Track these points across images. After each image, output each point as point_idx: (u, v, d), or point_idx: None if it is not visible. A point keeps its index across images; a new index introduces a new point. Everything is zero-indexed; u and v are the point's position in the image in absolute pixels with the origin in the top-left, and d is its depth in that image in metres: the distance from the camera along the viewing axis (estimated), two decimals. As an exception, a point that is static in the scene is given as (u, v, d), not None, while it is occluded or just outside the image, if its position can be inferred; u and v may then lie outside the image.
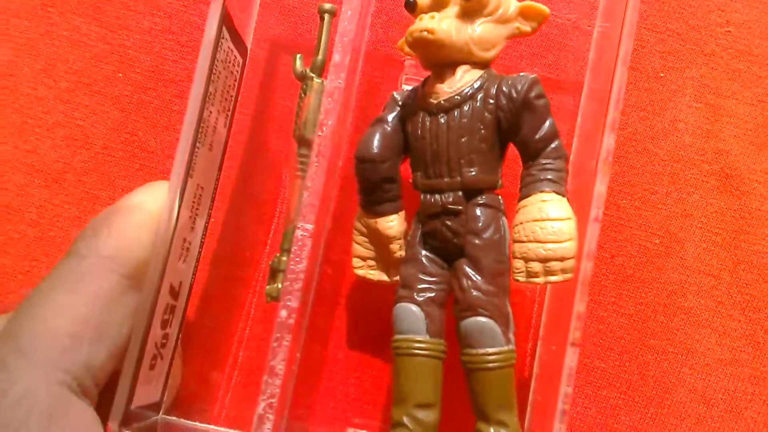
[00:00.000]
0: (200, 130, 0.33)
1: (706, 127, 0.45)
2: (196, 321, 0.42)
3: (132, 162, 0.44)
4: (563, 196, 0.33)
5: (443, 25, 0.33)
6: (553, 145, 0.33)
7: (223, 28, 0.34)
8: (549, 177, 0.33)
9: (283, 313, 0.31)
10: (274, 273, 0.37)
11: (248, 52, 0.40)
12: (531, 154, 0.34)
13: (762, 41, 0.46)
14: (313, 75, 0.37)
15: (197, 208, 0.35)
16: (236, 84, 0.39)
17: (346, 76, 0.32)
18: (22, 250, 0.43)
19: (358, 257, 0.39)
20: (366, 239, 0.38)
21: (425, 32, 0.33)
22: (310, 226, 0.31)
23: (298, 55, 0.38)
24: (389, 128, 0.36)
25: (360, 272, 0.39)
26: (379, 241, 0.38)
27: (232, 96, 0.38)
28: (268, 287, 0.37)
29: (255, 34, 0.42)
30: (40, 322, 0.28)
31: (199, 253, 0.37)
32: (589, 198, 0.32)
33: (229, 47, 0.36)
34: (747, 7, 0.47)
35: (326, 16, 0.38)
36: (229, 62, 0.37)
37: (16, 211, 0.44)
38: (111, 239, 0.31)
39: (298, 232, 0.31)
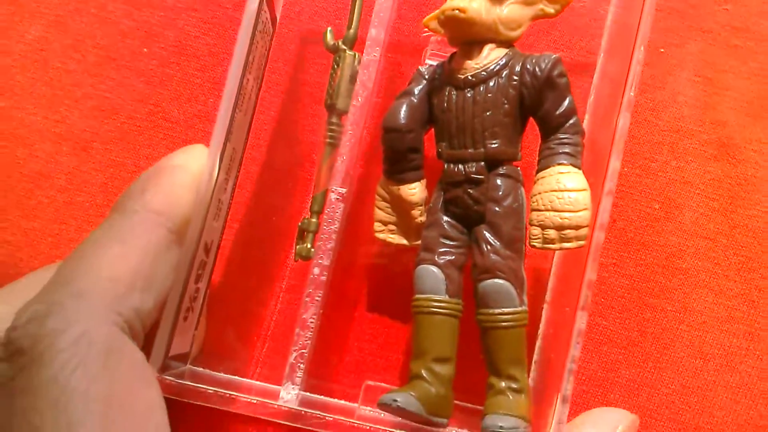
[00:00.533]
0: (239, 98, 0.35)
1: (704, 99, 0.47)
2: (223, 278, 0.44)
3: (156, 132, 0.47)
4: (579, 168, 0.35)
5: (474, 4, 0.35)
6: (571, 121, 0.36)
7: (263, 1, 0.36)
8: (566, 150, 0.35)
9: (316, 270, 0.33)
10: (302, 233, 0.39)
11: (277, 22, 0.43)
12: (550, 129, 0.36)
13: (758, 18, 0.48)
14: (345, 47, 0.39)
15: (230, 170, 0.37)
16: (267, 53, 0.41)
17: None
18: (52, 215, 0.46)
19: (380, 221, 0.41)
20: (388, 205, 0.40)
21: (457, 11, 0.35)
22: (343, 190, 0.34)
23: (329, 29, 0.40)
24: (415, 100, 0.38)
25: (381, 236, 0.41)
26: (401, 207, 0.40)
27: (262, 64, 0.41)
28: (297, 246, 0.39)
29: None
30: (96, 269, 0.30)
31: (227, 212, 0.39)
32: (603, 172, 0.35)
33: (266, 18, 0.38)
34: (744, -15, 0.49)
35: None
36: (265, 32, 0.39)
37: (46, 177, 0.46)
38: (158, 196, 0.33)
39: (332, 195, 0.33)
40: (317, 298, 0.33)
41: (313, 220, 0.39)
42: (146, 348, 0.32)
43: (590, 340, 0.44)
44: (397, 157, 0.39)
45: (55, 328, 0.27)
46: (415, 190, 0.39)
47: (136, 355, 0.30)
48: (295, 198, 0.45)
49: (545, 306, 0.43)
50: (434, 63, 0.40)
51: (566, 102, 0.36)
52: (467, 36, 0.37)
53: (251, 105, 0.39)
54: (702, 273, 0.44)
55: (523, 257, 0.36)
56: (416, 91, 0.38)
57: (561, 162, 0.35)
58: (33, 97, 0.47)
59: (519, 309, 0.36)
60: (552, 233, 0.35)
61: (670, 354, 0.43)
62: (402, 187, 0.39)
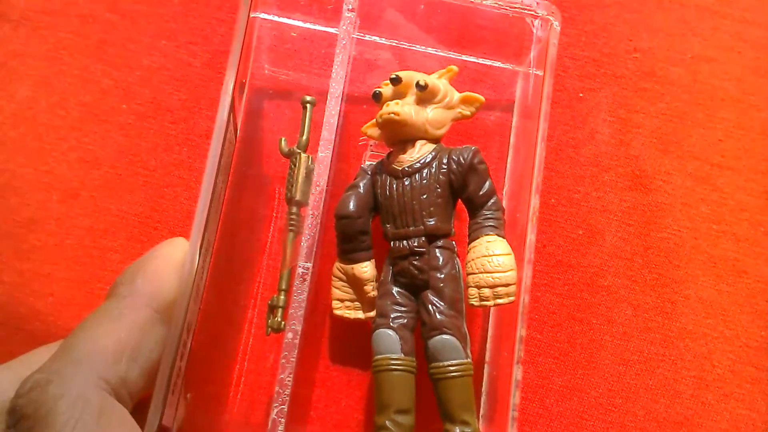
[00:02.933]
0: (213, 197, 0.40)
1: (618, 137, 0.54)
2: (198, 352, 0.47)
3: (136, 179, 0.52)
4: (503, 237, 0.42)
5: (405, 108, 0.42)
6: (493, 200, 0.42)
7: (230, 115, 0.42)
8: (491, 224, 0.42)
9: (290, 335, 0.38)
10: (273, 310, 0.44)
11: (239, 133, 0.49)
12: (476, 206, 0.43)
13: (664, 64, 0.55)
14: (300, 151, 0.45)
15: (205, 258, 0.42)
16: (231, 156, 0.48)
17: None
18: (44, 256, 0.50)
19: (337, 299, 0.46)
20: (344, 283, 0.46)
21: (392, 114, 0.42)
22: (309, 265, 0.39)
23: (283, 138, 0.47)
24: (362, 191, 0.44)
25: (339, 312, 0.46)
26: (355, 284, 0.45)
27: (228, 165, 0.47)
28: (269, 321, 0.44)
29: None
30: (90, 342, 0.35)
31: (202, 293, 0.44)
32: (522, 244, 0.43)
33: (231, 128, 0.44)
34: (651, 35, 0.56)
35: (308, 106, 0.47)
36: (230, 142, 0.45)
37: (38, 223, 0.51)
38: (146, 282, 0.38)
39: (299, 270, 0.39)
40: (292, 360, 0.38)
41: (282, 297, 0.44)
42: (135, 419, 0.36)
43: (527, 352, 0.49)
44: (349, 240, 0.44)
45: (55, 394, 0.32)
46: (366, 269, 0.44)
47: (125, 416, 0.34)
48: (259, 277, 0.50)
49: (485, 365, 0.48)
50: (373, 162, 0.46)
51: (487, 184, 0.42)
52: (401, 135, 0.43)
53: (221, 201, 0.46)
54: (622, 289, 0.51)
55: (464, 316, 0.42)
56: (361, 184, 0.44)
57: (488, 233, 0.42)
58: (24, 150, 0.52)
59: (465, 360, 0.41)
60: (486, 291, 0.40)
61: (597, 361, 0.49)
62: (355, 266, 0.44)
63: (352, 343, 0.49)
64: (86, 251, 0.51)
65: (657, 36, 0.56)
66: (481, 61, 0.52)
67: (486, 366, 0.48)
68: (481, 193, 0.42)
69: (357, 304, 0.46)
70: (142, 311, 0.37)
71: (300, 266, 0.39)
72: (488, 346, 0.48)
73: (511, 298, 0.41)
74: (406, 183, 0.42)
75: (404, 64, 0.52)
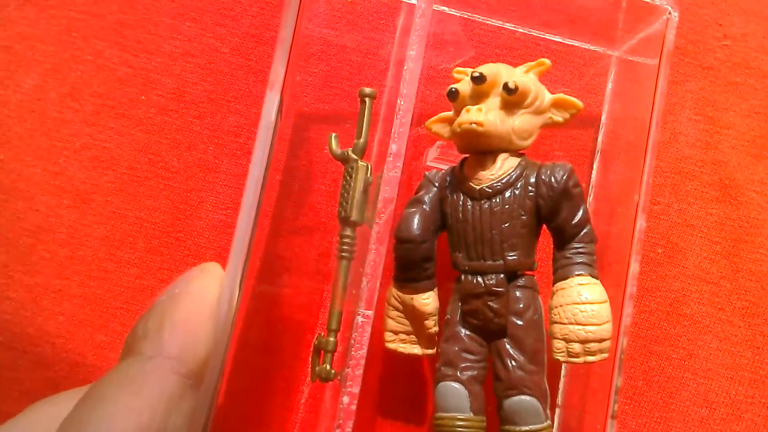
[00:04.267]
0: (256, 218, 0.33)
1: (705, 139, 0.47)
2: (231, 399, 0.43)
3: (156, 182, 0.46)
4: (597, 278, 0.36)
5: (490, 117, 0.36)
6: (585, 230, 0.36)
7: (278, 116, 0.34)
8: (583, 260, 0.36)
9: (346, 399, 0.32)
10: (318, 352, 0.38)
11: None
12: (566, 238, 0.37)
13: (759, 54, 0.48)
14: (356, 157, 0.39)
15: (242, 287, 0.36)
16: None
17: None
18: (54, 270, 0.45)
19: (391, 331, 0.40)
20: (400, 314, 0.39)
21: (474, 124, 0.35)
22: (370, 312, 0.32)
23: (333, 135, 0.40)
24: (427, 209, 0.38)
25: (392, 345, 0.40)
26: (413, 316, 0.39)
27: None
28: (317, 368, 0.38)
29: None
30: (108, 422, 0.28)
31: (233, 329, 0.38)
32: (623, 275, 0.37)
33: (275, 130, 0.37)
34: (744, 20, 0.49)
35: (367, 100, 0.39)
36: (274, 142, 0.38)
37: (47, 231, 0.46)
38: (174, 336, 0.30)
39: (359, 318, 0.32)
40: (348, 429, 0.32)
41: (331, 339, 0.38)
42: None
43: (594, 391, 0.44)
44: (410, 266, 0.38)
45: None
46: (428, 300, 0.38)
47: None
48: (306, 309, 0.45)
49: (558, 410, 0.43)
50: (440, 167, 0.40)
51: (581, 212, 0.36)
52: (482, 147, 0.37)
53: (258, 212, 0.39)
54: (706, 319, 0.45)
55: (545, 368, 0.37)
56: (427, 199, 0.38)
57: (579, 272, 0.36)
58: (31, 148, 0.47)
59: (545, 425, 0.36)
60: (576, 347, 0.35)
61: (676, 403, 0.44)
62: (415, 296, 0.38)
63: (407, 385, 0.44)
64: (100, 264, 0.45)
65: (751, 20, 0.49)
66: (569, 42, 0.45)
67: (558, 411, 0.42)
68: (573, 222, 0.36)
69: (413, 337, 0.40)
70: (170, 378, 0.30)
71: (359, 313, 0.32)
72: (562, 387, 0.42)
73: (605, 355, 0.35)
74: (485, 206, 0.36)
75: (479, 42, 0.45)
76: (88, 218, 0.46)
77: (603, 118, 0.46)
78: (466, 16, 0.45)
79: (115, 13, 0.49)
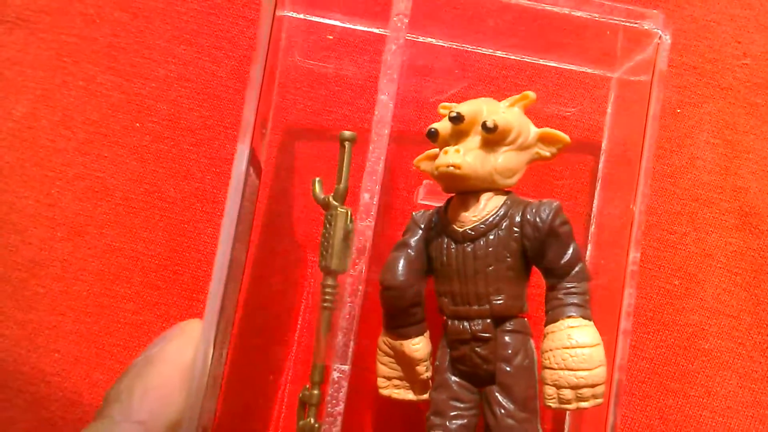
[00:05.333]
0: (230, 270, 0.33)
1: (724, 163, 0.45)
2: None
3: (152, 213, 0.45)
4: (589, 319, 0.34)
5: (468, 158, 0.34)
6: (576, 269, 0.34)
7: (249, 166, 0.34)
8: (575, 301, 0.34)
9: None
10: (304, 406, 0.38)
11: (262, 170, 0.41)
12: (556, 278, 0.35)
13: (780, 73, 0.46)
14: (336, 203, 0.38)
15: (224, 342, 0.35)
16: (253, 206, 0.40)
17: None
18: (49, 305, 0.44)
19: (384, 377, 0.38)
20: (391, 359, 0.38)
21: (452, 167, 0.34)
22: (346, 368, 0.32)
23: (317, 179, 0.39)
24: (413, 253, 0.36)
25: (385, 392, 0.38)
26: (404, 362, 0.38)
27: (250, 220, 0.39)
28: (301, 422, 0.37)
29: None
30: None
31: (221, 385, 0.37)
32: (617, 310, 0.35)
33: (252, 180, 0.36)
34: (764, 38, 0.47)
35: (347, 144, 0.38)
36: (252, 192, 0.37)
37: (41, 265, 0.44)
38: (146, 402, 0.31)
39: (335, 374, 0.31)
40: None
41: (315, 392, 0.37)
42: None
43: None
44: (397, 313, 0.37)
45: None
46: (419, 346, 0.37)
47: None
48: (289, 362, 0.44)
49: None
50: (428, 207, 0.39)
51: (570, 250, 0.34)
52: (462, 188, 0.36)
53: (241, 267, 0.38)
54: (725, 354, 0.43)
55: (539, 415, 0.35)
56: (413, 242, 0.37)
57: (570, 314, 0.34)
58: (22, 178, 0.45)
59: None
60: (568, 393, 0.33)
61: (694, 442, 0.42)
62: (405, 342, 0.37)
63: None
64: (96, 299, 0.44)
65: (772, 37, 0.46)
66: (561, 66, 0.43)
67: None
68: (563, 261, 0.34)
69: (407, 383, 0.38)
70: None
71: (335, 368, 0.31)
72: (567, 428, 0.41)
73: (599, 401, 0.33)
74: (468, 249, 0.35)
75: (465, 70, 0.44)
76: (83, 251, 0.45)
77: (603, 144, 0.44)
78: (455, 47, 0.43)
79: (108, 36, 0.47)
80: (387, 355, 0.38)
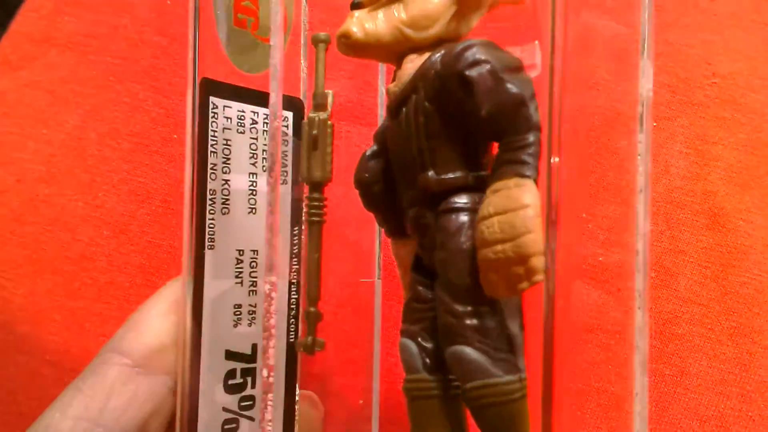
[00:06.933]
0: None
1: (695, 170, 0.50)
2: None
3: (188, 213, 0.51)
4: (524, 176, 0.25)
5: (367, 24, 0.28)
6: (510, 121, 0.26)
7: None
8: (508, 159, 0.26)
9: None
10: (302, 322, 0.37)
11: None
12: (490, 138, 0.28)
13: (745, 90, 0.52)
14: (315, 114, 0.33)
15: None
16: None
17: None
18: (95, 294, 0.49)
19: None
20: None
21: (342, 38, 0.29)
22: (274, 278, 0.28)
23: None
24: (377, 146, 0.32)
25: None
26: (402, 266, 0.33)
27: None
28: (300, 340, 0.35)
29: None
30: (65, 411, 0.32)
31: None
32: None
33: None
34: (731, 59, 0.52)
35: (320, 46, 0.33)
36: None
37: (89, 259, 0.50)
38: (125, 335, 0.34)
39: (266, 287, 0.28)
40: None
41: (311, 309, 0.34)
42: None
43: (598, 406, 0.47)
44: (376, 212, 0.33)
45: None
46: (407, 248, 0.32)
47: None
48: None
49: None
50: None
51: (490, 96, 0.25)
52: (375, 58, 0.30)
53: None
54: (697, 338, 0.48)
55: (500, 310, 0.27)
56: (378, 134, 0.32)
57: (496, 179, 0.26)
58: (73, 183, 0.51)
59: (493, 381, 0.26)
60: (493, 276, 0.26)
61: (669, 416, 0.47)
62: (398, 242, 0.33)
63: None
64: (137, 289, 0.49)
65: (738, 59, 0.52)
66: None
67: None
68: (483, 113, 0.26)
69: None
70: (112, 369, 0.33)
71: (265, 280, 0.28)
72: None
73: (539, 278, 0.25)
74: (395, 125, 0.29)
75: None
76: (126, 247, 0.50)
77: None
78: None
79: (149, 58, 0.53)
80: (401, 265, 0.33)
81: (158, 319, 0.34)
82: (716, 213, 0.50)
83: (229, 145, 0.36)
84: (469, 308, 0.26)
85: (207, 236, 0.35)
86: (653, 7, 0.30)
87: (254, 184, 0.37)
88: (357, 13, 0.29)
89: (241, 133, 0.37)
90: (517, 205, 0.25)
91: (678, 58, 0.52)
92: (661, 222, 0.49)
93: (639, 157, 0.29)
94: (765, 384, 0.47)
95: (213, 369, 0.35)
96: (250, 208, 0.37)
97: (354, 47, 0.29)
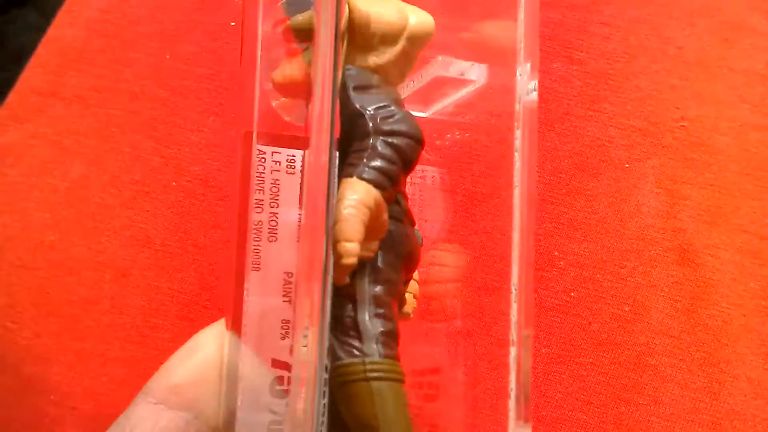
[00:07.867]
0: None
1: (665, 209, 0.53)
2: None
3: (186, 257, 0.53)
4: (352, 176, 0.27)
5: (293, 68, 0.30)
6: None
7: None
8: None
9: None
10: None
11: None
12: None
13: (712, 133, 0.55)
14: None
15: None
16: None
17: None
18: (98, 336, 0.52)
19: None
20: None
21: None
22: None
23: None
24: None
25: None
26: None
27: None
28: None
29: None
30: None
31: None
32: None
33: None
34: (699, 104, 0.55)
35: None
36: None
37: (92, 303, 0.53)
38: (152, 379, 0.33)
39: None
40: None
41: None
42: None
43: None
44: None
45: None
46: None
47: None
48: None
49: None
50: None
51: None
52: None
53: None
54: (669, 368, 0.50)
55: (351, 299, 0.28)
56: None
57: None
58: (77, 229, 0.54)
59: (337, 363, 0.28)
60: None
61: (643, 444, 0.49)
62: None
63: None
64: (138, 330, 0.52)
65: (705, 103, 0.55)
66: None
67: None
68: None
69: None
70: (164, 414, 0.32)
71: None
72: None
73: (352, 260, 0.26)
74: None
75: None
76: (128, 290, 0.53)
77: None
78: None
79: (149, 110, 0.56)
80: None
81: (178, 360, 0.34)
82: (686, 249, 0.52)
83: (278, 185, 0.38)
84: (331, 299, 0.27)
85: (251, 260, 0.36)
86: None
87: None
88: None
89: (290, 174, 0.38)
90: (340, 197, 0.27)
91: (648, 102, 0.55)
92: (633, 258, 0.52)
93: (516, 153, 0.32)
94: (734, 412, 0.49)
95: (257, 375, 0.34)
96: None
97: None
